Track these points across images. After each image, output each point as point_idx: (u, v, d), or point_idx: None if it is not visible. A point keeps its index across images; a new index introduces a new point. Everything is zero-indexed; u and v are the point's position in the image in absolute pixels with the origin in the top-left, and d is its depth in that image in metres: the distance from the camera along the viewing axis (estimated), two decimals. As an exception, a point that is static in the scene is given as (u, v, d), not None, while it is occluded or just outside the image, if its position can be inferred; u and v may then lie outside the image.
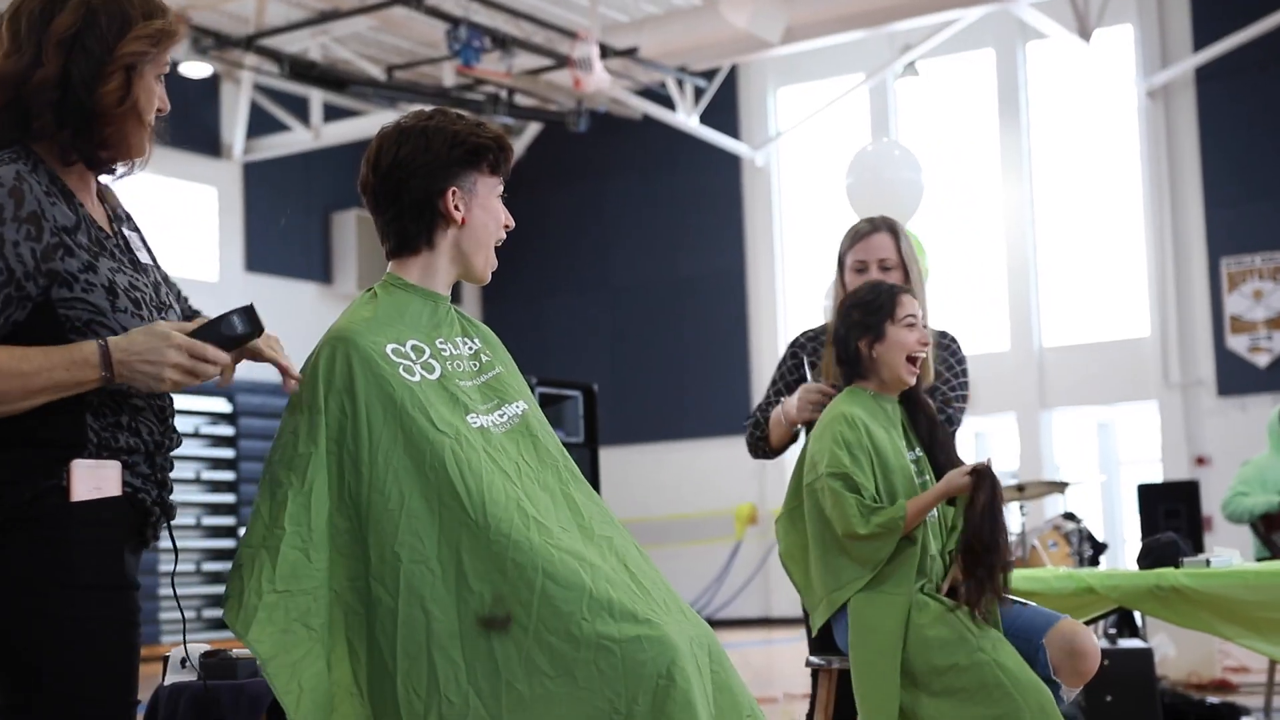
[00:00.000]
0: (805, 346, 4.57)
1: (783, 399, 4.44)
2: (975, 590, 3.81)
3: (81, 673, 2.37)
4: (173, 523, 2.59)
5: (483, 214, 2.85)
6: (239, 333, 2.49)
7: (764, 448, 4.54)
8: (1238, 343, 15.29)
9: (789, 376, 4.57)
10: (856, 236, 4.44)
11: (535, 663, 2.54)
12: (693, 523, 17.44)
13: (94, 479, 2.41)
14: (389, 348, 2.73)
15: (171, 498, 2.59)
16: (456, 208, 2.82)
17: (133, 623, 2.45)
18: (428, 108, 2.92)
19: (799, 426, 4.42)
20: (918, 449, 4.16)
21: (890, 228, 4.45)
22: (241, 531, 5.49)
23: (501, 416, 2.83)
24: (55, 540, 2.37)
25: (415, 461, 2.64)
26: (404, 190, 2.81)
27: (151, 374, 2.41)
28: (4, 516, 2.36)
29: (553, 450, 2.86)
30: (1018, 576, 4.64)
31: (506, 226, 2.91)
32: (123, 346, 2.38)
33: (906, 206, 6.04)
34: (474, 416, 2.76)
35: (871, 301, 4.08)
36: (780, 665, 11.53)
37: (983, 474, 3.87)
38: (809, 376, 4.48)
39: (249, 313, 2.51)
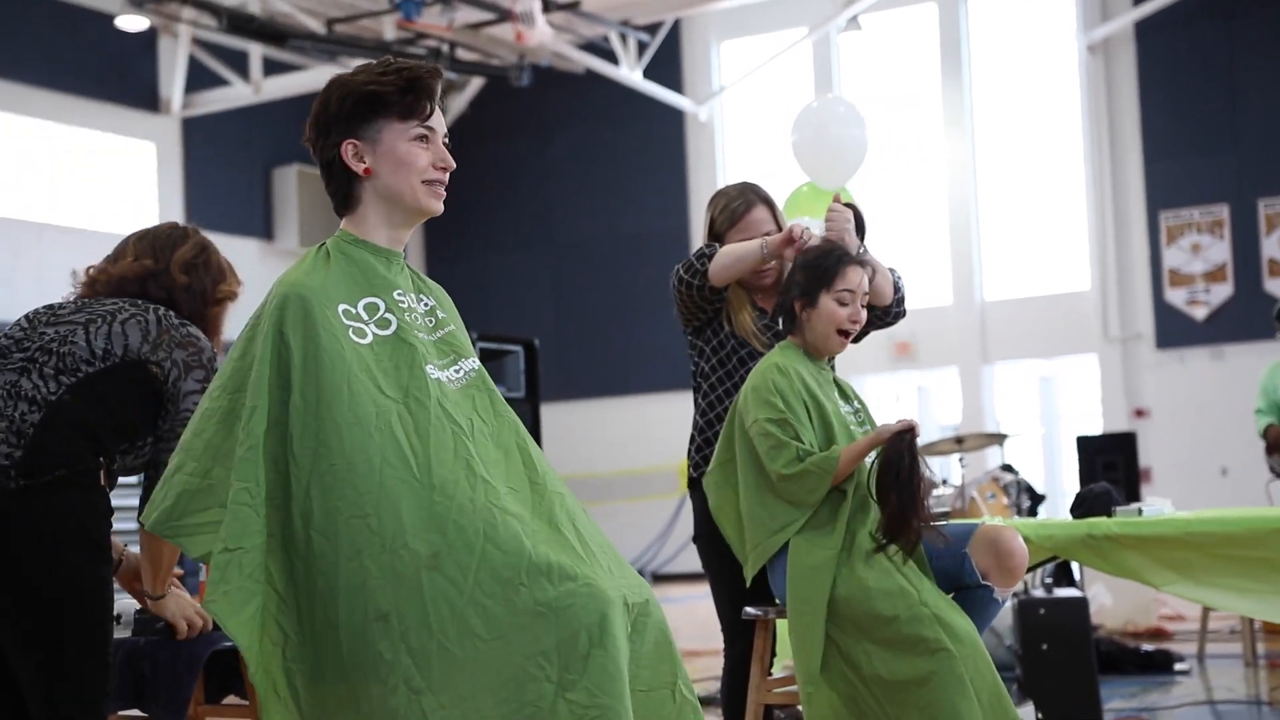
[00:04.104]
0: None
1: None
2: (891, 521, 3.80)
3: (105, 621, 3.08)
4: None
5: (388, 162, 2.81)
6: None
7: (698, 274, 4.23)
8: (1176, 296, 15.42)
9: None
10: (734, 216, 4.35)
11: (469, 624, 2.54)
12: (637, 478, 17.47)
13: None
14: (340, 308, 2.73)
15: None
16: (361, 159, 2.81)
17: None
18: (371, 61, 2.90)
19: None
20: (855, 401, 4.19)
21: (761, 197, 4.39)
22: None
23: (458, 371, 2.83)
24: (101, 511, 3.13)
25: (360, 419, 2.63)
26: (315, 151, 2.86)
27: None
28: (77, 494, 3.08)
29: (507, 407, 2.87)
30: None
31: (442, 167, 2.84)
32: None
33: (850, 163, 6.03)
34: (431, 367, 2.77)
35: (816, 266, 4.09)
36: (724, 618, 11.56)
37: (905, 428, 3.85)
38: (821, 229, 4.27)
39: None
